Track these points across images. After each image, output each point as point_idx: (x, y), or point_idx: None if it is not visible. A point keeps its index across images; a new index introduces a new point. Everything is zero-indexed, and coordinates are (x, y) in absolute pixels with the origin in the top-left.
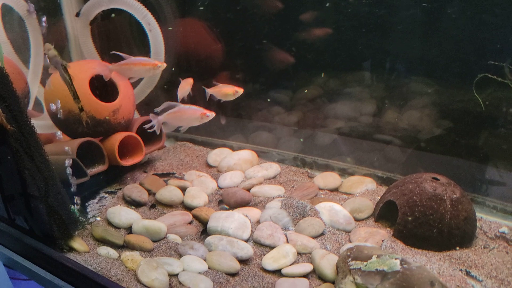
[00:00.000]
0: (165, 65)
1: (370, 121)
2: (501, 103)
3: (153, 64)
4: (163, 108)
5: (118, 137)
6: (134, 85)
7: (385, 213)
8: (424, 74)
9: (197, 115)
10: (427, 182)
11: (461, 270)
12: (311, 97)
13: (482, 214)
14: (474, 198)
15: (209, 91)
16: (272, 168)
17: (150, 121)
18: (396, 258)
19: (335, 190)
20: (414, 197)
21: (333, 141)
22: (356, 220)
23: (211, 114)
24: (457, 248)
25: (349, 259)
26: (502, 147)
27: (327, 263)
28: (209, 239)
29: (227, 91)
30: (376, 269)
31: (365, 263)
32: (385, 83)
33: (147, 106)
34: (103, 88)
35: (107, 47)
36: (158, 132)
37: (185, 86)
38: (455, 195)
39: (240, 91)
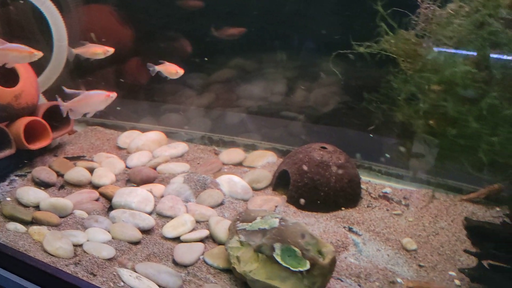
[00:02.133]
0: (41, 54)
1: (272, 100)
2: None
3: (29, 51)
4: (69, 93)
5: (24, 121)
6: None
7: (281, 182)
8: (318, 54)
9: (102, 98)
10: (315, 151)
11: (344, 227)
12: (218, 80)
13: (370, 178)
14: (362, 164)
15: (75, 51)
16: (180, 147)
17: (57, 106)
18: (276, 217)
19: (239, 164)
20: (303, 166)
21: (238, 119)
22: (255, 190)
23: (114, 95)
24: (343, 208)
25: (238, 222)
26: (387, 119)
27: (221, 227)
28: (113, 212)
29: (95, 50)
30: (259, 228)
31: (250, 224)
32: (284, 64)
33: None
34: (4, 74)
35: (9, 33)
36: (69, 116)
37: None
38: (340, 161)
39: (111, 50)
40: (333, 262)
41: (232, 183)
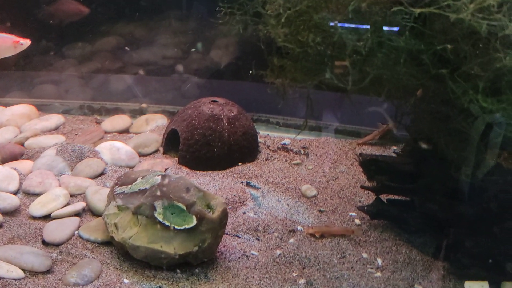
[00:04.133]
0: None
1: (162, 63)
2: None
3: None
4: None
5: None
6: None
7: (172, 144)
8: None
9: (9, 43)
10: (205, 105)
11: (242, 182)
12: (101, 48)
13: (268, 131)
14: (259, 118)
15: None
16: (53, 119)
17: None
18: (158, 175)
19: (125, 131)
20: (193, 121)
21: (122, 84)
22: (142, 155)
23: (26, 42)
24: (240, 163)
25: (117, 186)
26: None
27: (99, 197)
28: None
29: None
30: (139, 189)
31: (130, 186)
32: (174, 28)
33: None
34: None
35: None
36: None
37: None
38: (232, 113)
39: None
40: (224, 215)
41: (114, 149)
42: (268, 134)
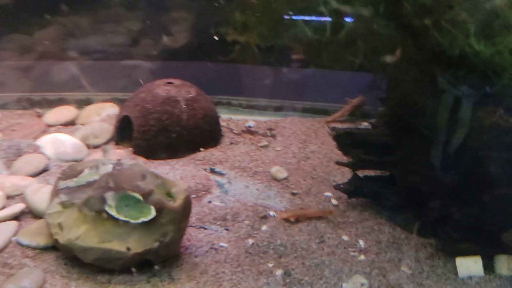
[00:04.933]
0: None
1: (111, 50)
2: None
3: None
4: None
5: None
6: None
7: (125, 133)
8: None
9: None
10: (159, 87)
11: (205, 169)
12: (42, 38)
13: (231, 114)
14: (220, 100)
15: None
16: None
17: None
18: (109, 164)
19: (71, 123)
20: (147, 105)
21: (66, 74)
22: (92, 147)
23: None
24: (202, 149)
25: (60, 181)
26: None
27: (41, 197)
28: None
29: None
30: (87, 182)
31: (76, 179)
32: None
33: None
34: None
35: None
36: None
37: None
38: (190, 95)
39: None
40: (186, 203)
41: (58, 143)
42: (230, 118)
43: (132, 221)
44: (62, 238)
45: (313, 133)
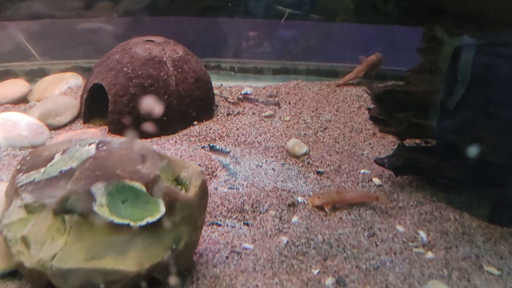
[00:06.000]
0: None
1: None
2: None
3: None
4: None
5: None
6: None
7: (96, 107)
8: None
9: None
10: (138, 46)
11: (203, 147)
12: None
13: (221, 80)
14: (207, 64)
15: None
16: None
17: None
18: (90, 143)
19: (23, 100)
20: (125, 69)
21: (13, 41)
22: (53, 128)
23: None
24: (195, 122)
25: (20, 174)
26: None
27: None
28: None
29: None
30: (60, 171)
31: (42, 169)
32: None
33: None
34: None
35: None
36: None
37: None
38: (177, 54)
39: None
40: (203, 192)
41: (9, 124)
42: (222, 84)
43: (133, 223)
44: (30, 259)
45: (323, 99)
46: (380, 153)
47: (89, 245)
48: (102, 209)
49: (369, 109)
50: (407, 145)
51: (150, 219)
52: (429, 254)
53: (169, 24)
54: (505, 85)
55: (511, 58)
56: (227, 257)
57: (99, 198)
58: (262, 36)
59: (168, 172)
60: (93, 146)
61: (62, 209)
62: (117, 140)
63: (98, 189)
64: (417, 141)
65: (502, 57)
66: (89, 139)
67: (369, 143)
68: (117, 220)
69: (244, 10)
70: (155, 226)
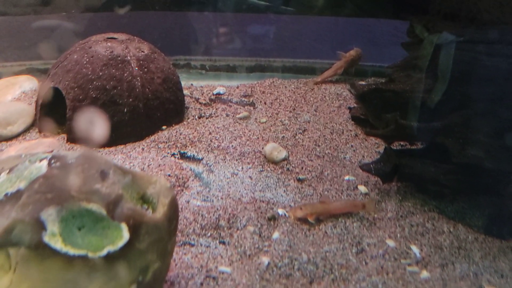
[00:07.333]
0: None
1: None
2: None
3: None
4: None
5: None
6: None
7: (52, 114)
8: None
9: None
10: (98, 44)
11: (173, 154)
12: None
13: (192, 80)
14: (176, 62)
15: None
16: None
17: None
18: (42, 158)
19: None
20: (84, 70)
21: None
22: (5, 139)
23: None
24: (164, 127)
25: None
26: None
27: None
28: None
29: None
30: (6, 194)
31: None
32: None
33: None
34: None
35: None
36: None
37: None
38: (142, 52)
39: None
40: (173, 211)
41: None
42: (192, 84)
43: (92, 254)
44: None
45: (301, 98)
46: (363, 156)
47: (39, 283)
48: (54, 239)
49: (350, 109)
50: (394, 148)
51: (111, 248)
52: (424, 273)
53: (133, 19)
54: (502, 83)
55: (507, 56)
56: (201, 284)
57: (50, 226)
58: (235, 31)
59: (132, 189)
60: (45, 163)
61: (6, 242)
62: (72, 154)
63: (49, 215)
64: (402, 143)
65: (490, 55)
66: (40, 154)
67: (352, 146)
68: (72, 251)
69: (215, 4)
70: (117, 256)
